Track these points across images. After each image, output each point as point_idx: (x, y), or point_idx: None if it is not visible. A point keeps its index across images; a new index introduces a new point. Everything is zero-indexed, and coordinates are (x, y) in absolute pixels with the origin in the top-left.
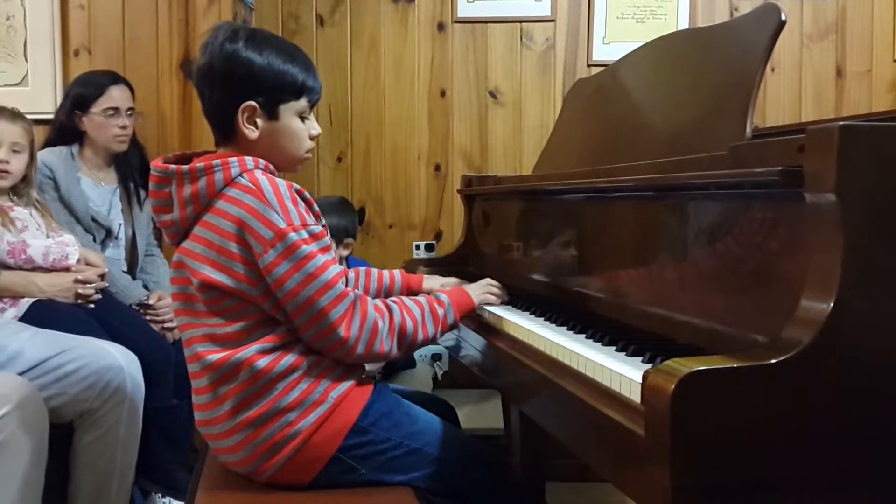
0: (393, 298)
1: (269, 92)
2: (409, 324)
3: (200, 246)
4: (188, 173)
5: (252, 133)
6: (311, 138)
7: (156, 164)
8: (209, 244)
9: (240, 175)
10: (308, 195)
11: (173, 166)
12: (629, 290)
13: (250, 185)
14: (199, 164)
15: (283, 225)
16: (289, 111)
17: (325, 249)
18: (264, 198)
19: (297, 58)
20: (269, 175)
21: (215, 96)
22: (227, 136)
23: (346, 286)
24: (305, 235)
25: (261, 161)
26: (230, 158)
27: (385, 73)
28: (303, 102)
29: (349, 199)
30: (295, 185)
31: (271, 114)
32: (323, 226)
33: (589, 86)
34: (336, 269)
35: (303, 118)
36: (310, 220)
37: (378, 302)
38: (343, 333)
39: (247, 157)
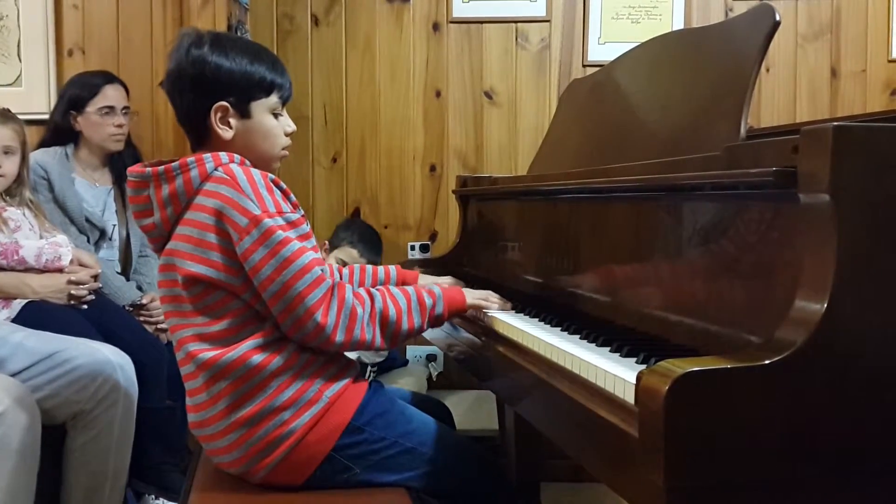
0: (378, 287)
1: (239, 91)
2: (392, 311)
3: (183, 243)
4: (164, 173)
5: (226, 133)
6: (287, 135)
7: (132, 169)
8: (190, 239)
9: (215, 169)
10: (284, 185)
11: (149, 169)
12: (624, 290)
13: (225, 176)
14: (174, 163)
15: (257, 211)
16: (261, 108)
17: (305, 237)
18: (238, 186)
19: (263, 56)
20: (244, 167)
21: (186, 101)
22: (202, 139)
23: (329, 276)
24: (281, 222)
25: (235, 156)
26: (204, 155)
27: (380, 74)
28: (273, 99)
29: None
30: (270, 175)
31: (244, 112)
32: (301, 215)
33: (584, 86)
34: (312, 255)
35: (276, 115)
36: (286, 207)
37: (360, 290)
38: (320, 319)
39: (221, 153)
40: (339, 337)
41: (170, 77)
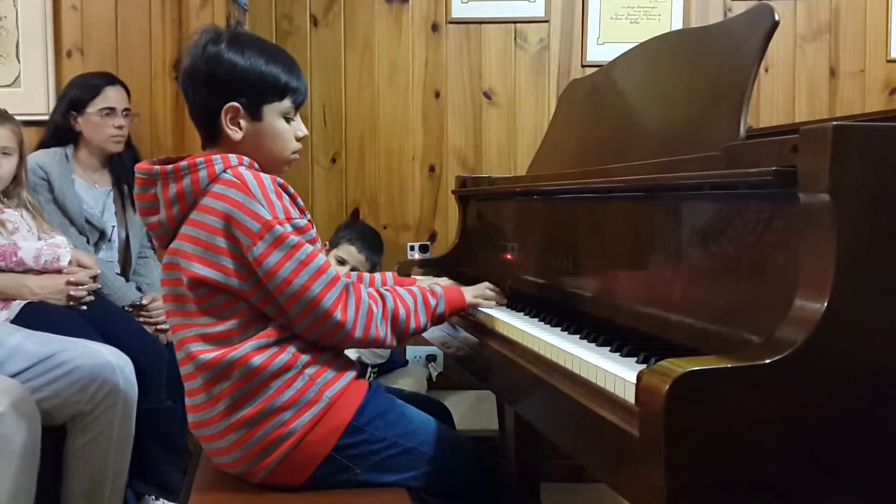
0: (386, 287)
1: (251, 93)
2: (402, 311)
3: (188, 244)
4: (172, 173)
5: (236, 134)
6: (298, 139)
7: (140, 166)
8: (197, 241)
9: (223, 171)
10: (292, 189)
11: (157, 167)
12: (623, 290)
13: (234, 179)
14: (182, 163)
15: (269, 216)
16: (273, 112)
17: (312, 242)
18: (249, 191)
19: (280, 59)
20: (254, 171)
21: (199, 98)
22: (213, 138)
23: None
24: (290, 229)
25: (245, 158)
26: (213, 156)
27: (379, 74)
28: (287, 103)
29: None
30: (279, 178)
31: (255, 115)
32: (308, 220)
33: (583, 86)
34: (325, 257)
35: (288, 119)
36: (294, 213)
37: (371, 290)
38: (340, 317)
39: (230, 155)
40: (358, 333)
41: (184, 73)
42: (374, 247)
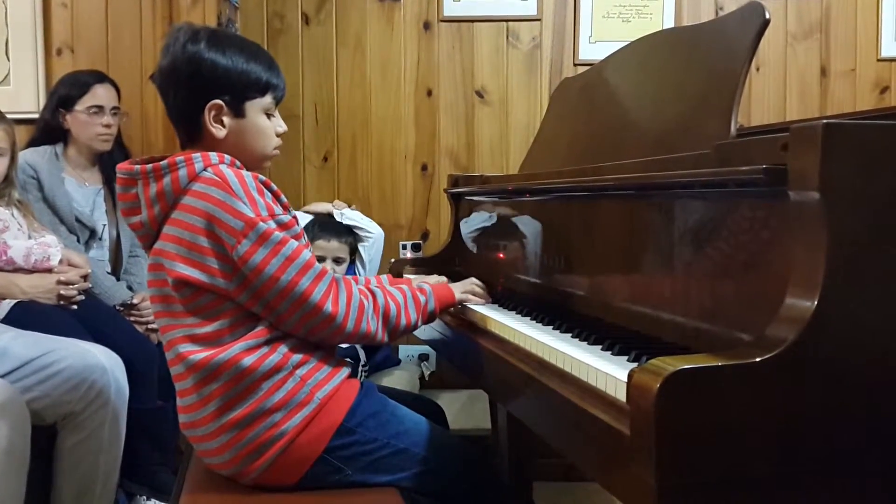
0: (375, 285)
1: (234, 90)
2: (393, 307)
3: (171, 244)
4: (152, 172)
5: (219, 132)
6: (278, 135)
7: (121, 166)
8: (180, 241)
9: (204, 170)
10: (275, 186)
11: (137, 167)
12: (615, 289)
13: (215, 177)
14: (162, 161)
15: (251, 214)
16: (255, 108)
17: (296, 237)
18: (230, 189)
19: (259, 56)
20: (234, 168)
21: (180, 97)
22: (194, 137)
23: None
24: (274, 225)
25: (226, 156)
26: (194, 154)
27: (371, 73)
28: (268, 99)
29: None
30: (260, 175)
31: (238, 112)
32: (293, 216)
33: (575, 85)
34: (310, 252)
35: (269, 115)
36: (277, 209)
37: (361, 286)
38: (331, 310)
39: (211, 153)
40: (350, 326)
41: (163, 73)
42: (338, 230)
